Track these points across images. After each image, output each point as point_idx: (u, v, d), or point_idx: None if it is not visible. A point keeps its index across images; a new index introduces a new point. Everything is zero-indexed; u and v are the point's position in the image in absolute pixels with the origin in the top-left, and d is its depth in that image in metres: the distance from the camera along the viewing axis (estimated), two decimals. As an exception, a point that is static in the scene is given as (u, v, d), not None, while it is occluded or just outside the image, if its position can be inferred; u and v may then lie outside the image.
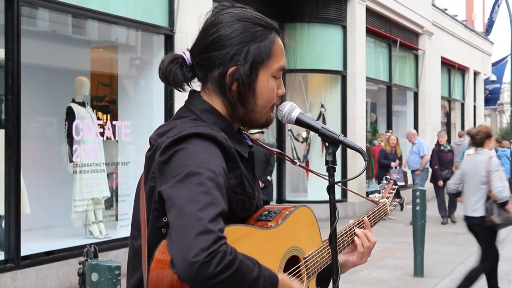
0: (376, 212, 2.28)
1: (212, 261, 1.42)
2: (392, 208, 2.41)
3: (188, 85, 1.80)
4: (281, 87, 1.83)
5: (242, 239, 1.55)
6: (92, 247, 3.40)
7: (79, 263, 3.39)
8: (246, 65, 1.72)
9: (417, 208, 7.98)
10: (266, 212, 1.81)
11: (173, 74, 1.74)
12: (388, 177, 2.50)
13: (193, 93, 1.81)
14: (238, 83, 1.73)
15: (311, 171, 2.29)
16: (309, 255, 1.87)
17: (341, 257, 1.99)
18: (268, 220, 1.78)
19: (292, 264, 1.82)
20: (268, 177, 9.19)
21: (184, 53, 1.78)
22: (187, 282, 1.46)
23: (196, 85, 1.83)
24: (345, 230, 2.04)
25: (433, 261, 8.79)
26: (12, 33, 6.55)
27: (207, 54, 1.73)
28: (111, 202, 9.04)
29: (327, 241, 1.94)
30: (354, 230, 2.05)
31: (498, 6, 26.66)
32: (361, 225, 2.10)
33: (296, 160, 2.19)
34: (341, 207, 12.29)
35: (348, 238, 2.04)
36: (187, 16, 8.78)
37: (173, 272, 1.48)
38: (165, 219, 1.60)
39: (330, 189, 1.83)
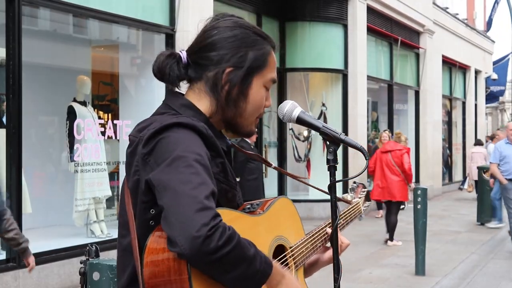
0: (352, 210, 2.32)
1: (214, 235, 1.46)
2: (365, 209, 2.45)
3: (181, 81, 1.84)
4: (269, 99, 1.89)
5: (232, 223, 1.56)
6: (93, 246, 3.41)
7: (81, 262, 3.40)
8: (243, 68, 1.77)
9: (419, 206, 7.99)
10: (248, 206, 1.84)
11: (169, 68, 1.77)
12: (357, 181, 2.52)
13: (171, 91, 1.85)
14: (231, 84, 1.77)
15: (289, 174, 2.31)
16: (295, 245, 1.90)
17: (313, 256, 2.02)
18: (253, 211, 1.80)
19: (278, 253, 1.84)
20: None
21: (181, 51, 1.82)
22: (191, 257, 1.48)
23: (185, 86, 1.86)
24: (316, 231, 2.05)
25: (434, 260, 8.80)
26: (13, 32, 6.55)
27: (206, 53, 1.78)
28: (112, 201, 9.04)
29: (311, 233, 2.00)
30: (326, 231, 2.07)
31: (497, 3, 26.66)
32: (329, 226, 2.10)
33: (272, 163, 2.23)
34: (341, 206, 12.26)
35: (321, 237, 2.05)
36: (188, 15, 8.79)
37: (169, 257, 1.51)
38: (152, 211, 1.63)
39: (331, 188, 1.85)
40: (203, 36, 1.80)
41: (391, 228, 10.15)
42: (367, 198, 2.52)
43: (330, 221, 2.07)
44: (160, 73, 1.79)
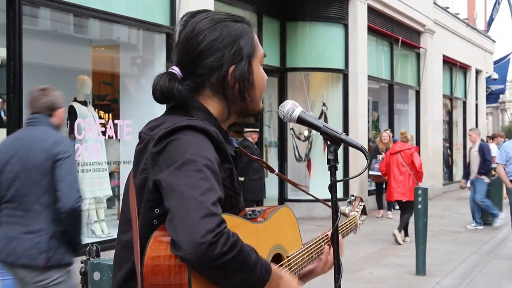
0: (348, 224, 2.34)
1: (219, 241, 1.47)
2: (361, 222, 2.48)
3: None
4: (265, 74, 1.90)
5: (234, 229, 1.57)
6: (94, 246, 3.41)
7: (81, 262, 3.40)
8: (242, 61, 1.78)
9: (419, 206, 7.98)
10: (250, 212, 1.85)
11: (178, 91, 1.75)
12: (354, 194, 2.53)
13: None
14: (239, 81, 1.78)
15: (290, 181, 2.33)
16: (292, 255, 1.92)
17: (308, 266, 2.05)
18: (254, 218, 1.81)
19: (276, 261, 1.85)
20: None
21: (173, 68, 1.79)
22: (194, 262, 1.48)
23: None
24: (313, 243, 2.07)
25: (435, 260, 8.80)
26: (13, 32, 6.55)
27: (202, 62, 1.76)
28: (113, 201, 9.04)
29: (307, 243, 2.02)
30: (321, 244, 2.10)
31: (499, 3, 26.64)
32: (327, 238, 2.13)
33: (275, 169, 2.22)
34: (342, 206, 12.22)
35: (317, 249, 2.08)
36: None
37: (171, 257, 1.52)
38: (157, 210, 1.63)
39: (332, 188, 1.85)
40: (190, 45, 1.77)
41: (403, 224, 10.38)
42: (364, 212, 2.54)
43: (326, 234, 2.12)
44: (166, 98, 1.77)
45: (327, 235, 2.12)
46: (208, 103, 1.80)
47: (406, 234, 10.54)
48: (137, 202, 1.69)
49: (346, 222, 2.32)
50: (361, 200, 2.53)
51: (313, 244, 2.05)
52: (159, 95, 1.76)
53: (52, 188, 3.77)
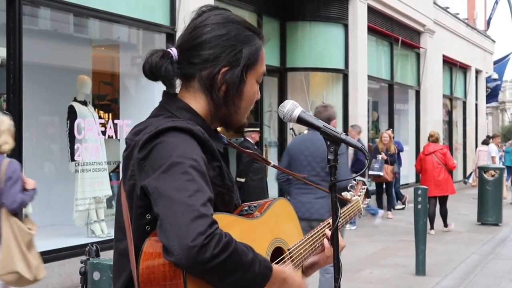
0: (350, 209, 2.32)
1: (210, 243, 1.44)
2: (364, 206, 2.46)
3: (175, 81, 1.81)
4: (258, 92, 1.87)
5: (228, 227, 1.55)
6: (94, 246, 3.41)
7: (81, 262, 3.40)
8: (238, 67, 1.75)
9: (419, 206, 7.98)
10: (246, 208, 1.82)
11: (165, 70, 1.74)
12: (356, 179, 2.52)
13: (167, 92, 1.83)
14: (228, 84, 1.75)
15: (284, 171, 2.32)
16: (293, 247, 1.89)
17: (311, 259, 2.02)
18: (250, 214, 1.79)
19: (276, 255, 1.82)
20: (238, 179, 9.11)
21: (171, 49, 1.77)
22: (187, 267, 1.46)
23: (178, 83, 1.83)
24: (315, 232, 2.03)
25: (434, 260, 8.79)
26: (13, 32, 6.55)
27: (200, 52, 1.74)
28: (112, 201, 9.04)
29: (309, 234, 1.99)
30: (324, 232, 2.06)
31: (497, 3, 26.69)
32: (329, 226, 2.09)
33: (270, 161, 2.22)
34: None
35: (320, 238, 2.04)
36: (189, 14, 8.78)
37: (164, 262, 1.50)
38: (148, 216, 1.61)
39: (332, 188, 1.84)
40: (195, 33, 1.76)
41: (443, 216, 11.65)
42: (367, 195, 2.52)
43: (329, 222, 2.07)
44: (153, 74, 1.76)
45: (329, 223, 2.07)
46: (196, 97, 1.77)
47: (446, 223, 11.66)
48: (129, 208, 1.68)
49: (349, 207, 2.29)
50: (364, 184, 2.50)
51: (314, 233, 2.01)
52: (148, 69, 1.77)
53: None
